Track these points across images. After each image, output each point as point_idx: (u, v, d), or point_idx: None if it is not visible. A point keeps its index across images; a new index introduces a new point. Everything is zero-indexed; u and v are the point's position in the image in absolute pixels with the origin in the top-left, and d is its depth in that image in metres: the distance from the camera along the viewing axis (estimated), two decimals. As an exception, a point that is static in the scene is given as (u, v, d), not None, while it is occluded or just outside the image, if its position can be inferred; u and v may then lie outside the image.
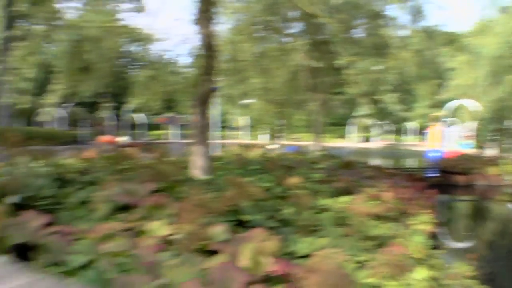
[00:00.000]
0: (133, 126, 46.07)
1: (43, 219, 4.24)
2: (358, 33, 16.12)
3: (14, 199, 5.51)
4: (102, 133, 37.58)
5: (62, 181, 6.89)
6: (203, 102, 8.44)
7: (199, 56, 9.23)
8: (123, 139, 33.81)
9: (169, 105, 41.33)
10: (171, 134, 47.17)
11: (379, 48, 14.95)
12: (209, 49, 8.72)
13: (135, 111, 42.57)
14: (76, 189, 6.31)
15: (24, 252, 3.88)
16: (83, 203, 5.66)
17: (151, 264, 3.43)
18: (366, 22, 15.12)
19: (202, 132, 8.33)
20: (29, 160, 8.41)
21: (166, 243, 4.01)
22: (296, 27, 17.70)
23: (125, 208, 5.11)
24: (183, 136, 42.67)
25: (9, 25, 22.08)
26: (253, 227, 4.56)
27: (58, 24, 10.92)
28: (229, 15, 16.94)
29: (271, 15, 15.92)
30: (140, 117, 45.34)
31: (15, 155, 9.05)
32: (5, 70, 26.83)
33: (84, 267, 3.35)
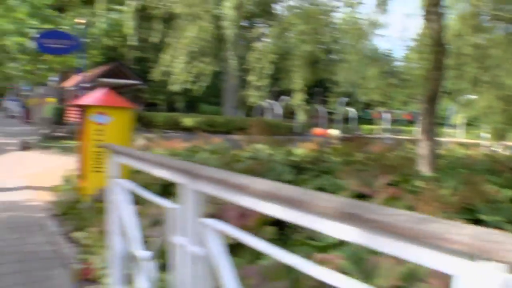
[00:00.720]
0: (345, 119, 46.84)
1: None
2: None
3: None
4: (316, 125, 39.05)
5: (297, 168, 7.69)
6: (432, 99, 8.39)
7: (427, 52, 9.16)
8: (335, 132, 34.72)
9: (383, 100, 40.94)
10: (382, 129, 46.64)
11: None
12: (438, 45, 8.61)
13: (348, 104, 43.19)
14: (312, 176, 6.98)
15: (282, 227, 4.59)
16: (319, 189, 6.27)
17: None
18: None
19: (430, 129, 8.31)
20: (268, 147, 9.53)
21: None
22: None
23: (360, 197, 5.53)
24: (395, 131, 41.89)
25: (242, 24, 24.64)
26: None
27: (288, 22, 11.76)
28: (452, 6, 16.11)
29: (499, 2, 14.67)
30: (351, 111, 45.87)
31: (254, 142, 10.32)
32: (238, 67, 29.88)
33: (338, 244, 3.82)
